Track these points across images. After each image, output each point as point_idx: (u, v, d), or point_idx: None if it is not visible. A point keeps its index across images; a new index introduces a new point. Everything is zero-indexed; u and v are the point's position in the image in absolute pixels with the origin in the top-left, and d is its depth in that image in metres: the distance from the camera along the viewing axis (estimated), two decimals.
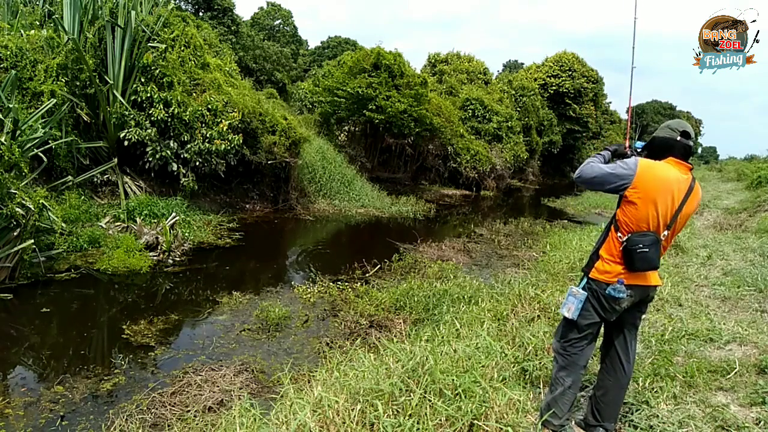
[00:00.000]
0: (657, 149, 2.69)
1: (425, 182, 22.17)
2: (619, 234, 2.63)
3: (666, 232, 2.60)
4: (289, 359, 4.75)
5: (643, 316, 4.84)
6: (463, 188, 22.67)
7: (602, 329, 2.90)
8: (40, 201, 6.70)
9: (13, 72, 8.43)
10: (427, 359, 3.08)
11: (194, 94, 10.97)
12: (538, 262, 8.85)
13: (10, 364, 4.65)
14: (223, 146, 10.66)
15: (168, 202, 10.11)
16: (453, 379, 2.93)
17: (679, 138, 2.62)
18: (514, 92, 30.28)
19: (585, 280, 2.75)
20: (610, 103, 47.73)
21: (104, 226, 8.66)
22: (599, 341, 2.99)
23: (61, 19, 10.02)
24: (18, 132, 7.22)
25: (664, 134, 2.68)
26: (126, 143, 10.17)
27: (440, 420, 2.66)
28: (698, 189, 2.65)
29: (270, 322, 5.80)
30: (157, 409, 3.91)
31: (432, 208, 16.29)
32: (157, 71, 10.45)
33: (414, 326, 5.54)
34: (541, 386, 3.37)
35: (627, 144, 3.05)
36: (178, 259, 8.19)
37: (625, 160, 2.67)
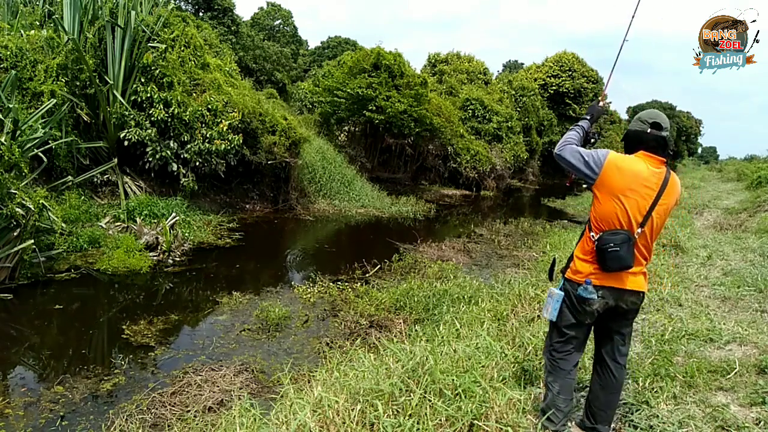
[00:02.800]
0: (629, 143, 2.63)
1: (425, 182, 22.16)
2: (592, 233, 2.60)
3: (640, 230, 2.51)
4: (289, 359, 4.75)
5: (643, 317, 4.85)
6: (463, 188, 22.66)
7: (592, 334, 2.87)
8: (40, 201, 6.70)
9: (13, 72, 8.43)
10: (427, 359, 3.08)
11: (194, 94, 10.97)
12: (538, 262, 8.85)
13: (10, 364, 4.65)
14: (223, 146, 10.66)
15: (168, 202, 10.11)
16: (453, 379, 2.93)
17: (649, 130, 2.54)
18: (514, 92, 30.28)
19: (562, 280, 2.74)
20: (610, 103, 47.65)
21: (104, 226, 8.66)
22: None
23: (61, 19, 10.01)
24: (18, 132, 7.22)
25: (635, 127, 2.61)
26: (126, 143, 10.17)
27: (440, 420, 2.66)
28: (675, 182, 2.56)
29: (270, 322, 5.80)
30: (157, 409, 3.91)
31: (432, 208, 16.28)
32: (157, 71, 10.45)
33: (414, 326, 5.54)
34: (541, 386, 3.36)
35: (602, 99, 3.02)
36: (178, 259, 8.19)
37: (597, 153, 2.60)
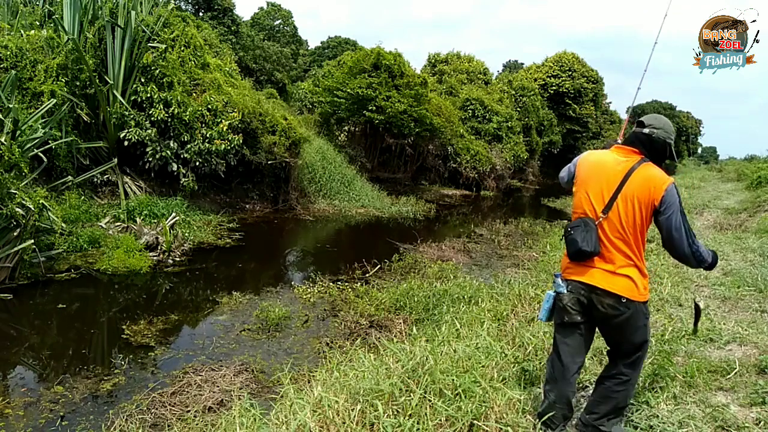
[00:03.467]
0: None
1: (425, 182, 22.16)
2: None
3: (604, 215, 2.51)
4: (289, 359, 4.75)
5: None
6: (463, 188, 22.66)
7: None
8: (40, 201, 6.70)
9: (13, 72, 8.42)
10: (427, 359, 3.08)
11: (194, 94, 10.97)
12: (538, 262, 8.85)
13: (10, 364, 4.66)
14: (223, 146, 10.66)
15: (168, 202, 10.11)
16: (453, 379, 2.92)
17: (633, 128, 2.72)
18: (514, 92, 30.26)
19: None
20: (610, 103, 47.77)
21: (104, 226, 8.66)
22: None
23: (61, 19, 10.02)
24: (18, 132, 7.21)
25: None
26: (126, 143, 10.17)
27: (440, 420, 2.66)
28: (646, 173, 2.48)
29: (270, 322, 5.80)
30: (157, 409, 3.91)
31: (432, 208, 16.28)
32: (157, 71, 10.45)
33: (414, 326, 5.54)
34: (541, 386, 3.36)
35: (620, 138, 3.18)
36: (178, 259, 8.19)
37: (575, 158, 2.83)
